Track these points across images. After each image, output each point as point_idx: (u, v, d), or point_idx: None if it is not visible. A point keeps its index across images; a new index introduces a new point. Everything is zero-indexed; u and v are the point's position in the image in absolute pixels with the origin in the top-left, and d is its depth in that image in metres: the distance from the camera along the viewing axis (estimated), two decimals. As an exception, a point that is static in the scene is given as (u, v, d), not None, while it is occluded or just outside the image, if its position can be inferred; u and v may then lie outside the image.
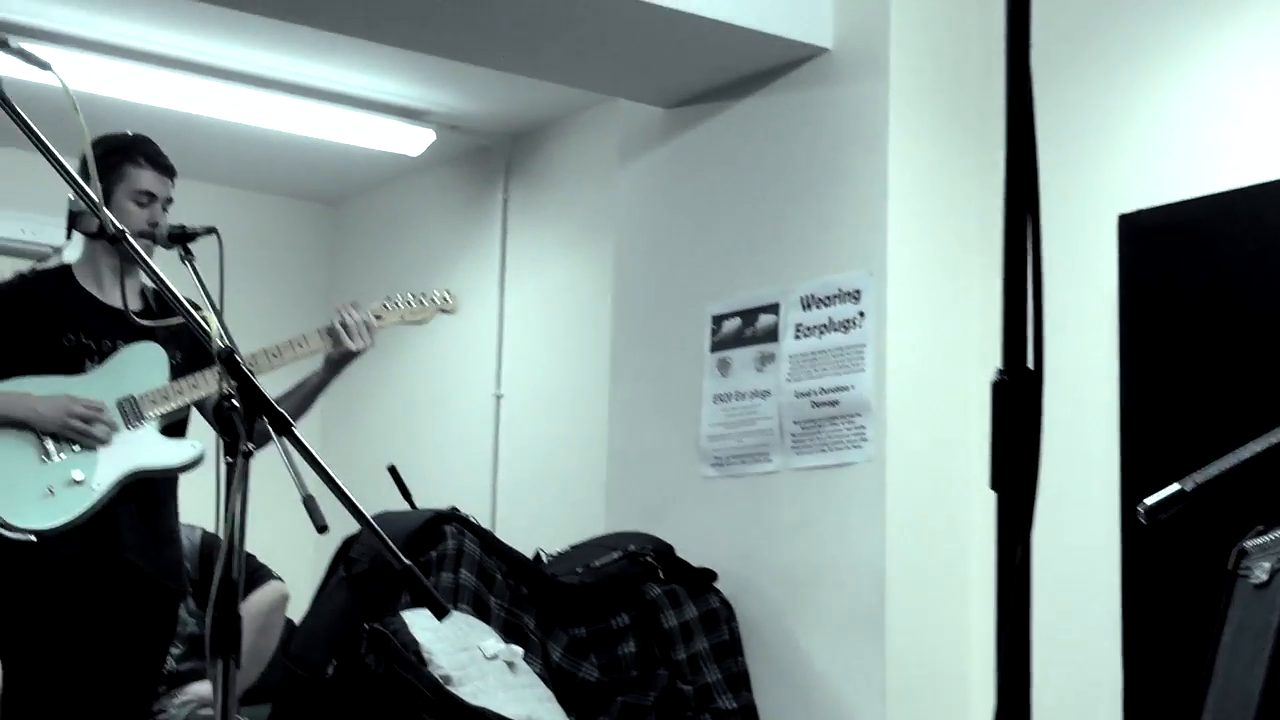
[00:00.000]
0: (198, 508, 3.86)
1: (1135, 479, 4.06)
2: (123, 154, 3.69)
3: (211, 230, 3.64)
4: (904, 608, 4.44)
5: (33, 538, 3.39)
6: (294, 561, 5.80)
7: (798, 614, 4.65)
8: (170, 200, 3.78)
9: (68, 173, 2.41)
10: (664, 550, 4.78)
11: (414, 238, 6.99)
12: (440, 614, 2.40)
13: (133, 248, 2.40)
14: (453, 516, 4.48)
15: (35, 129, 2.31)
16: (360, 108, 6.06)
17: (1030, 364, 1.37)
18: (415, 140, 6.31)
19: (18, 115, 2.30)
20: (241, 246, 3.55)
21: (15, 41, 2.35)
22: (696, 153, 5.24)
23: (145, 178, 3.72)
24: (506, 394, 6.37)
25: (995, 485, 1.36)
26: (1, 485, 3.43)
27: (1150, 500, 2.15)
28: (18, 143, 6.60)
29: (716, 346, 5.02)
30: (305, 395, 3.86)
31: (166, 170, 3.77)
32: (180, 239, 3.67)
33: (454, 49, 5.04)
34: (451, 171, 6.80)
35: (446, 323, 5.17)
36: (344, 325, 3.80)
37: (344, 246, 7.45)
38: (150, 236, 3.62)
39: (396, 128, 6.21)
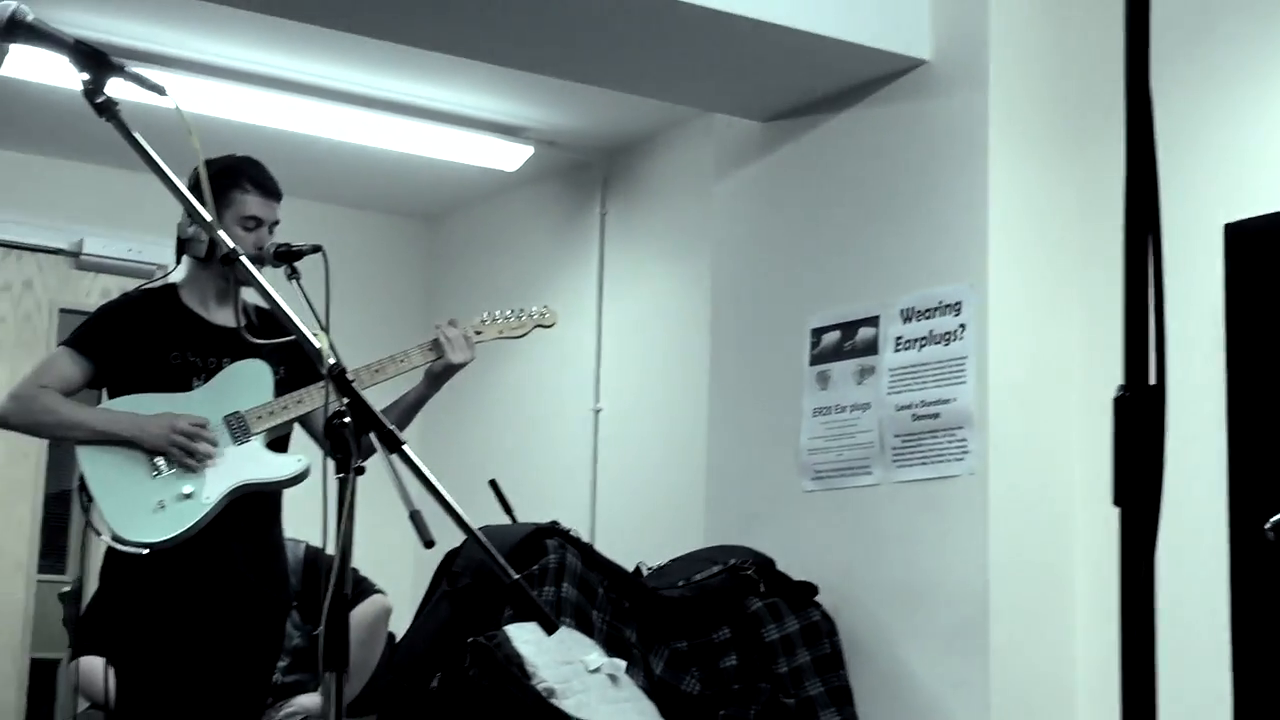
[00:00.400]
0: (300, 522, 3.92)
1: (1243, 492, 4.01)
2: (230, 179, 3.75)
3: (317, 248, 3.70)
4: (1007, 622, 4.41)
5: (144, 550, 3.45)
6: (395, 575, 5.86)
7: (900, 628, 4.63)
8: (276, 222, 3.84)
9: (184, 197, 2.46)
10: (765, 563, 4.78)
11: (511, 253, 7.03)
12: (550, 629, 2.42)
13: (247, 269, 2.43)
14: (554, 530, 4.50)
15: (152, 153, 2.35)
16: (459, 125, 6.11)
17: (1152, 380, 1.37)
18: (513, 156, 6.35)
19: (135, 141, 2.34)
20: (340, 262, 3.59)
21: (131, 66, 2.38)
22: (794, 166, 5.23)
23: (251, 203, 3.78)
24: (605, 408, 6.39)
25: (1119, 501, 1.36)
26: (114, 500, 3.49)
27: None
28: (124, 163, 6.73)
29: (816, 360, 5.01)
30: (406, 409, 3.91)
31: (272, 194, 3.83)
32: (286, 257, 3.73)
33: (551, 66, 5.07)
34: (549, 187, 6.84)
35: (545, 337, 5.20)
36: (446, 339, 3.85)
37: (442, 262, 7.51)
38: (258, 260, 3.67)
39: (494, 144, 6.25)
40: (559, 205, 6.81)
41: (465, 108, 5.99)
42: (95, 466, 3.54)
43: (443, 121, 6.07)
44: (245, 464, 3.64)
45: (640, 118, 6.06)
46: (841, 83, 4.98)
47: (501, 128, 6.21)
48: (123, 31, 5.19)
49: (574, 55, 4.87)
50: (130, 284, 6.60)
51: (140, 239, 6.68)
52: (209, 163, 3.72)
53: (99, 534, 3.47)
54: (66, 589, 6.58)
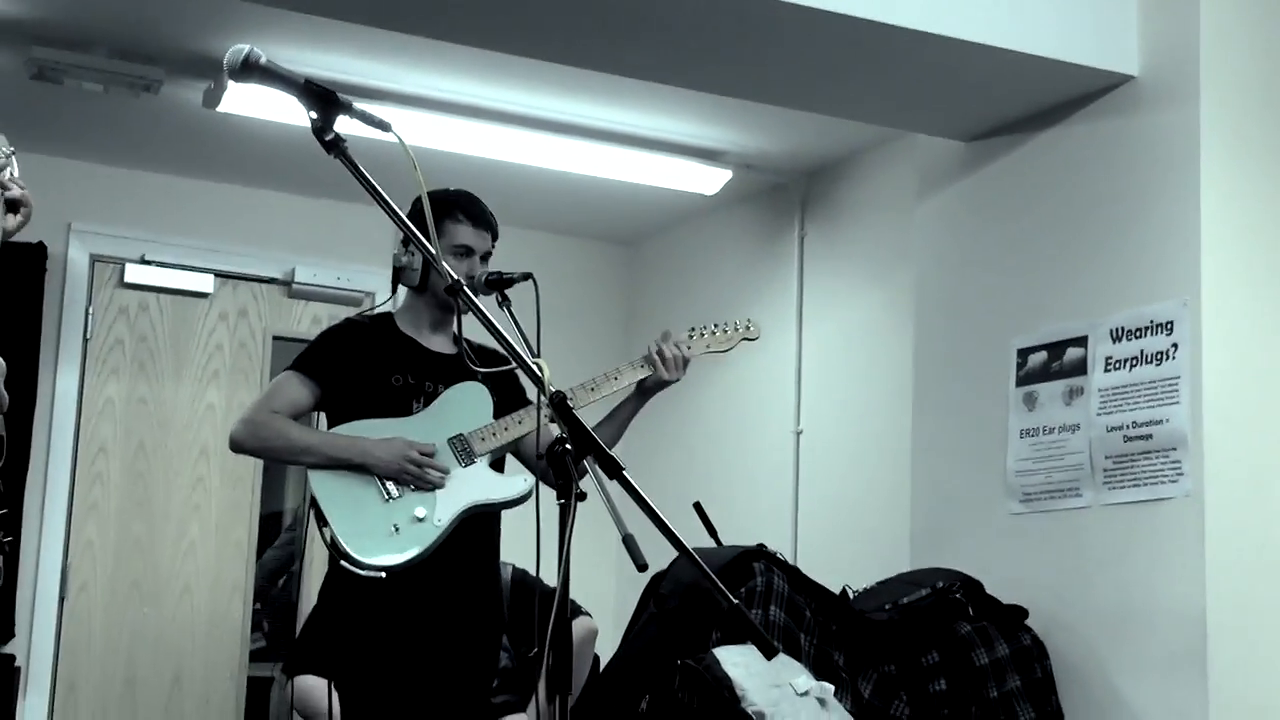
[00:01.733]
0: (506, 544, 3.98)
1: None
2: (444, 210, 3.83)
3: (527, 276, 3.76)
4: (1227, 647, 4.30)
5: (382, 574, 3.52)
6: (598, 597, 5.92)
7: (1114, 653, 4.55)
8: (489, 253, 3.92)
9: (410, 230, 2.52)
10: (973, 587, 4.73)
11: (710, 275, 7.06)
12: (769, 653, 2.42)
13: (470, 300, 2.49)
14: (761, 553, 4.51)
15: (379, 189, 2.41)
16: (658, 150, 6.16)
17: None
18: (711, 180, 6.38)
19: (363, 176, 2.41)
20: (543, 286, 3.65)
21: (358, 104, 2.45)
22: (998, 185, 5.18)
23: (463, 233, 3.86)
24: (806, 429, 6.38)
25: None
26: (350, 524, 3.57)
27: None
28: (333, 194, 6.91)
29: (1022, 381, 4.95)
30: (617, 426, 3.95)
31: (485, 225, 3.91)
32: (497, 285, 3.80)
33: (752, 90, 5.09)
34: (747, 209, 6.86)
35: (745, 359, 5.21)
36: (659, 356, 3.88)
37: (641, 286, 7.57)
38: (471, 289, 3.73)
39: (694, 168, 6.29)
40: (757, 228, 6.83)
41: (665, 133, 6.04)
42: (327, 490, 3.62)
43: (642, 147, 6.12)
44: (473, 485, 3.70)
45: (839, 139, 6.06)
46: (1047, 100, 4.92)
47: (700, 152, 6.24)
48: (335, 66, 5.33)
49: (775, 80, 4.88)
50: (339, 311, 6.82)
51: (348, 267, 6.85)
52: (431, 193, 3.85)
53: (338, 558, 3.54)
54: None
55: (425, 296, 3.91)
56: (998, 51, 4.55)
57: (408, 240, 3.82)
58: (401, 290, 3.96)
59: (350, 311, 6.77)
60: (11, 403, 2.09)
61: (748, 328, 4.11)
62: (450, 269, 3.72)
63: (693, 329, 4.05)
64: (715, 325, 4.08)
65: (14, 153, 2.74)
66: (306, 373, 3.84)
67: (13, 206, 2.58)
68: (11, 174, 2.78)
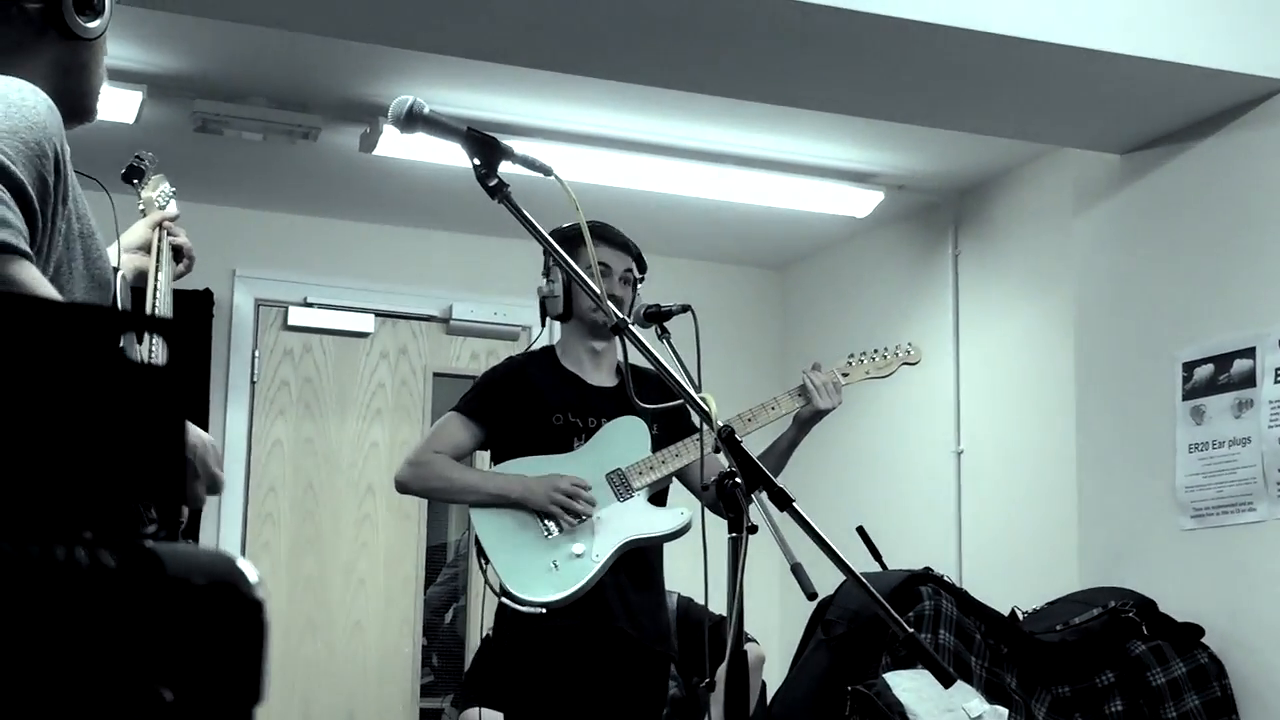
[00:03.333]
0: (673, 573, 4.01)
1: None
2: (576, 237, 3.87)
3: (686, 308, 3.78)
4: None
5: (543, 610, 3.58)
6: (763, 624, 5.91)
7: (1296, 670, 4.45)
8: (630, 272, 3.94)
9: (572, 269, 2.56)
10: (1146, 605, 4.66)
11: (864, 297, 7.04)
12: (947, 681, 2.41)
13: (635, 338, 2.52)
14: (928, 576, 4.49)
15: (541, 230, 2.45)
16: (809, 174, 6.16)
17: None
18: (863, 202, 6.36)
19: (525, 219, 2.45)
20: (698, 314, 3.68)
21: (519, 150, 2.50)
22: (1157, 197, 5.11)
23: (599, 251, 3.89)
24: (967, 449, 6.33)
25: None
26: (510, 561, 3.64)
27: None
28: (487, 230, 6.99)
29: (1189, 394, 4.87)
30: (779, 456, 3.95)
31: (621, 246, 3.94)
32: (656, 318, 3.82)
33: (900, 112, 5.08)
34: (899, 230, 6.83)
35: (903, 380, 5.18)
36: (813, 385, 3.88)
37: (795, 310, 7.57)
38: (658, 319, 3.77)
39: (845, 191, 6.28)
40: (911, 248, 6.79)
41: (815, 157, 6.04)
42: (488, 528, 3.70)
43: (794, 172, 6.13)
44: (630, 520, 3.74)
45: (990, 157, 6.01)
46: (1203, 111, 4.85)
47: (851, 175, 6.23)
48: (485, 105, 5.41)
49: (925, 101, 4.87)
50: (497, 345, 6.91)
51: (504, 302, 6.94)
52: (558, 230, 3.91)
53: (496, 594, 3.61)
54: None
55: (574, 324, 3.95)
56: (1149, 63, 4.50)
57: (548, 270, 3.88)
58: (555, 323, 4.01)
59: (508, 345, 6.88)
60: (184, 448, 2.17)
61: (908, 352, 4.09)
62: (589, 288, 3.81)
63: (852, 355, 4.04)
64: (875, 351, 4.06)
65: (175, 194, 2.84)
66: (470, 415, 3.91)
67: (177, 253, 2.66)
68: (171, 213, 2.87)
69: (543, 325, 4.06)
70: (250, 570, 1.04)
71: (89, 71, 2.27)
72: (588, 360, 3.98)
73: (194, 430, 2.10)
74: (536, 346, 4.12)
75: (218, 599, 1.02)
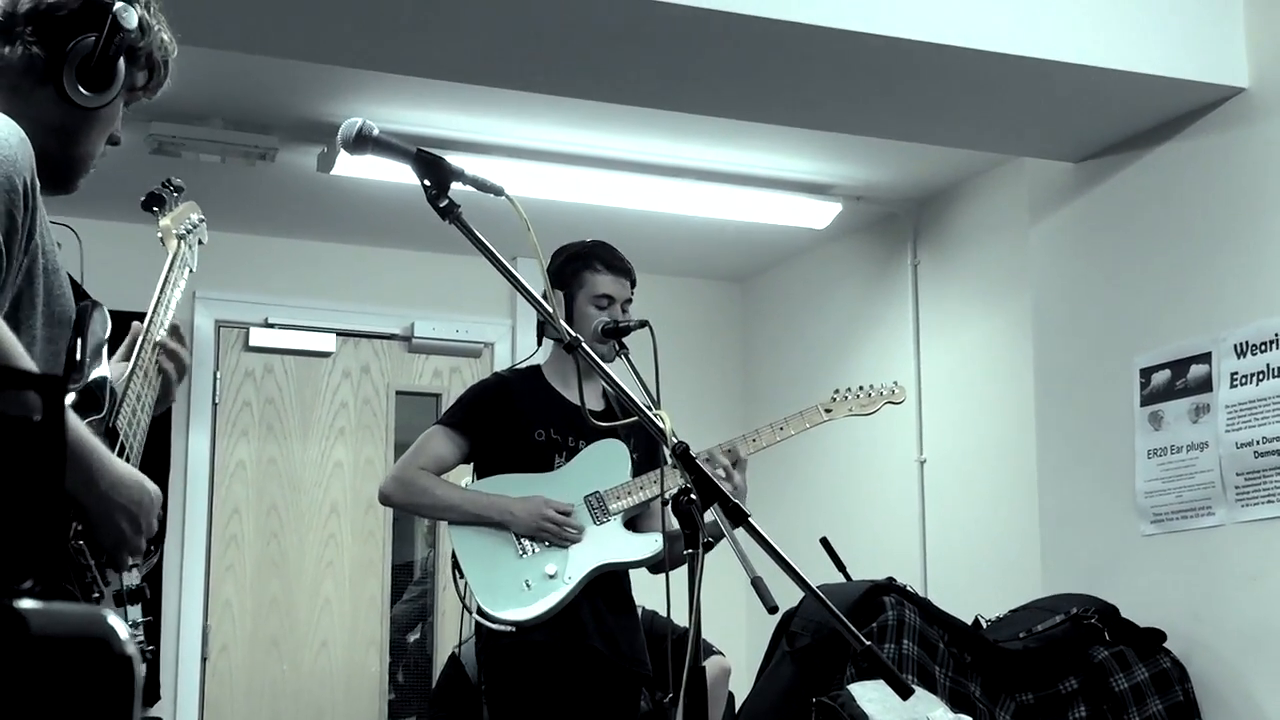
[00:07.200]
0: (637, 587, 4.02)
1: None
2: (582, 261, 3.91)
3: (644, 324, 3.80)
4: (1373, 663, 4.23)
5: (512, 629, 3.59)
6: (730, 635, 5.92)
7: (1257, 674, 4.48)
8: (629, 300, 3.96)
9: (526, 290, 2.56)
10: (1108, 611, 4.68)
11: (824, 308, 7.06)
12: (904, 694, 2.42)
13: (588, 354, 2.53)
14: (890, 587, 4.50)
15: (494, 251, 2.45)
16: (767, 187, 6.18)
17: None
18: (821, 214, 6.38)
19: (478, 240, 2.45)
20: (658, 327, 3.70)
21: (470, 171, 2.50)
22: (1111, 204, 5.15)
23: (603, 282, 3.91)
24: (929, 458, 6.35)
25: None
26: (484, 578, 3.66)
27: None
28: (448, 249, 6.97)
29: (1147, 400, 4.90)
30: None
31: (623, 273, 3.96)
32: (614, 334, 3.84)
33: (857, 124, 5.10)
34: (858, 241, 6.85)
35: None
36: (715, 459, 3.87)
37: (756, 322, 7.58)
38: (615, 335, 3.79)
39: (803, 203, 6.30)
40: (870, 259, 6.82)
41: (773, 170, 6.06)
42: (466, 545, 3.73)
43: (751, 185, 6.14)
44: (605, 544, 3.77)
45: (947, 167, 6.04)
46: (1156, 118, 4.89)
47: (809, 187, 6.25)
48: (441, 124, 5.41)
49: (881, 113, 4.89)
50: (459, 363, 6.91)
51: (466, 319, 6.94)
52: (563, 249, 3.95)
53: (468, 610, 3.64)
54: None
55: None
56: (1102, 71, 4.53)
57: (548, 289, 3.89)
58: (550, 343, 4.01)
59: (470, 362, 6.88)
60: (148, 470, 2.15)
61: (893, 391, 4.13)
62: (593, 318, 3.84)
63: (836, 391, 4.09)
64: (860, 388, 4.11)
65: (203, 220, 2.82)
66: (454, 428, 3.94)
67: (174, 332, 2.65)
68: (201, 240, 2.86)
69: (539, 345, 4.06)
70: (120, 627, 1.02)
71: (76, 141, 2.17)
72: (573, 381, 3.98)
73: (144, 484, 2.07)
74: (524, 365, 4.10)
75: (85, 656, 1.00)
